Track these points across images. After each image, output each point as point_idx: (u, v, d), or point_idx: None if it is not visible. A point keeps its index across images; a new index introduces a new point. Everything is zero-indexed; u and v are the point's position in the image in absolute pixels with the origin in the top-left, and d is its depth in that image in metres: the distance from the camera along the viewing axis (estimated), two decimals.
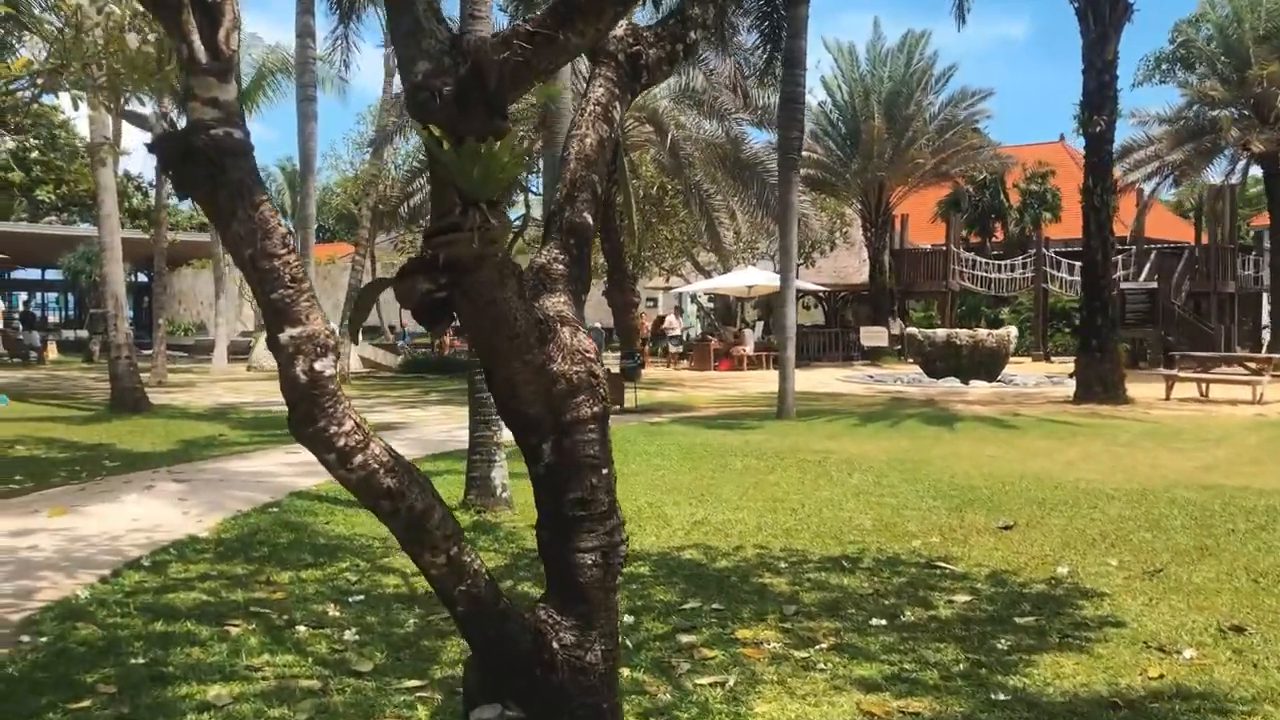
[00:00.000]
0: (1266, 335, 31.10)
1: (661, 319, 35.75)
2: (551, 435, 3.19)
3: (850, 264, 37.77)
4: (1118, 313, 28.68)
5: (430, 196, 2.94)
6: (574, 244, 3.42)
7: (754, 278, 30.06)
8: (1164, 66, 35.56)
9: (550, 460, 3.22)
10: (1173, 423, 15.38)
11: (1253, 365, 20.02)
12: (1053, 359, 32.27)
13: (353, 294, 24.36)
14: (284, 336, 2.75)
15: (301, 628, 5.62)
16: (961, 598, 6.29)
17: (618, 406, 17.97)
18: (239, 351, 32.00)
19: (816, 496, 9.82)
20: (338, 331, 23.15)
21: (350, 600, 6.18)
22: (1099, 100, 17.64)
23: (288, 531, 8.16)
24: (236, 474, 11.01)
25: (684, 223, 26.81)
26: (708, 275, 36.35)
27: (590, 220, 3.50)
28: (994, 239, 38.14)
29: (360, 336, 26.08)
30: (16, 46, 12.18)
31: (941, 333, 24.72)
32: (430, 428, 15.88)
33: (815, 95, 28.84)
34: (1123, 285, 29.42)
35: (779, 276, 32.20)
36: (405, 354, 30.59)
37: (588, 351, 3.27)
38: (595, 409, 3.22)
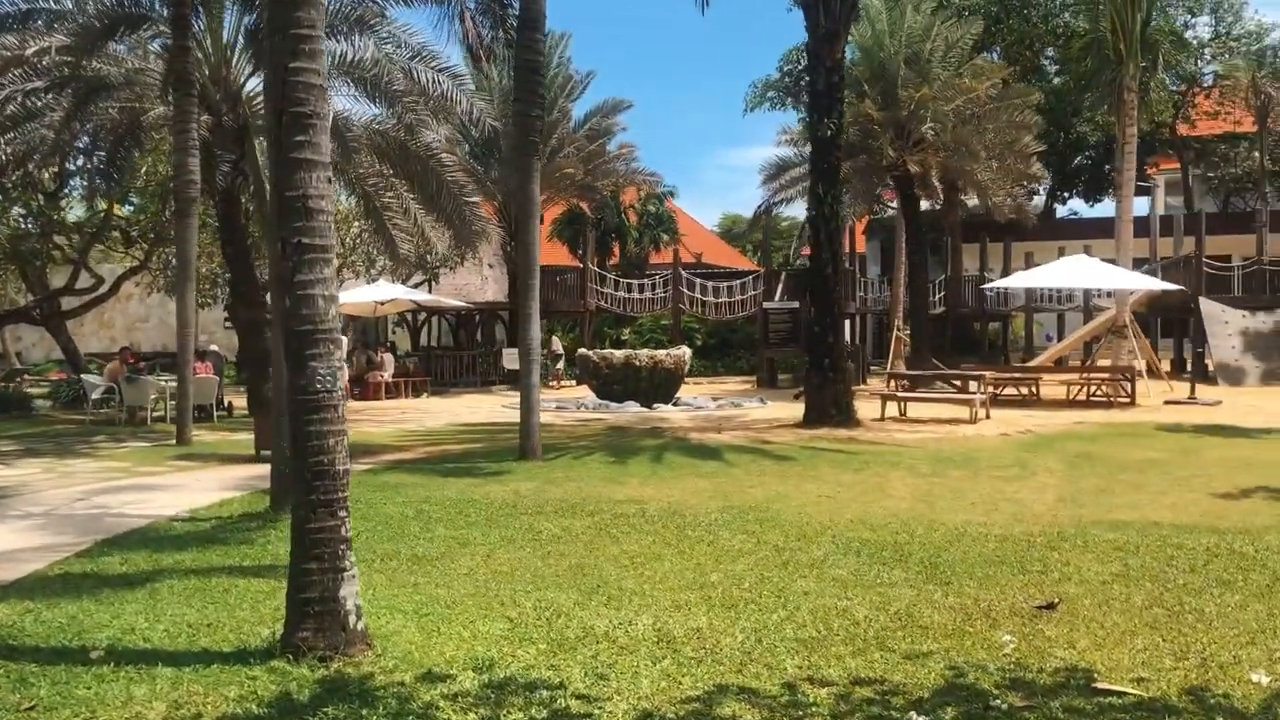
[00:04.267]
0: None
1: None
2: None
3: (472, 281, 35.15)
4: (765, 331, 28.74)
5: None
6: None
7: (386, 293, 26.52)
8: (770, 94, 36.72)
9: None
10: (938, 446, 14.41)
11: (959, 383, 20.08)
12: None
13: None
14: None
15: None
16: None
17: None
18: None
19: (733, 574, 7.29)
20: None
21: None
22: (828, 102, 16.51)
23: None
24: None
25: None
26: None
27: None
28: (611, 260, 37.24)
29: None
30: None
31: (620, 354, 22.84)
32: (49, 493, 11.18)
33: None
34: (766, 305, 29.45)
35: (411, 292, 29.08)
36: None
37: None
38: None
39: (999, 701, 4.79)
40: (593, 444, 15.05)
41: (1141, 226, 30.26)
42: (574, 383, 28.13)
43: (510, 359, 29.30)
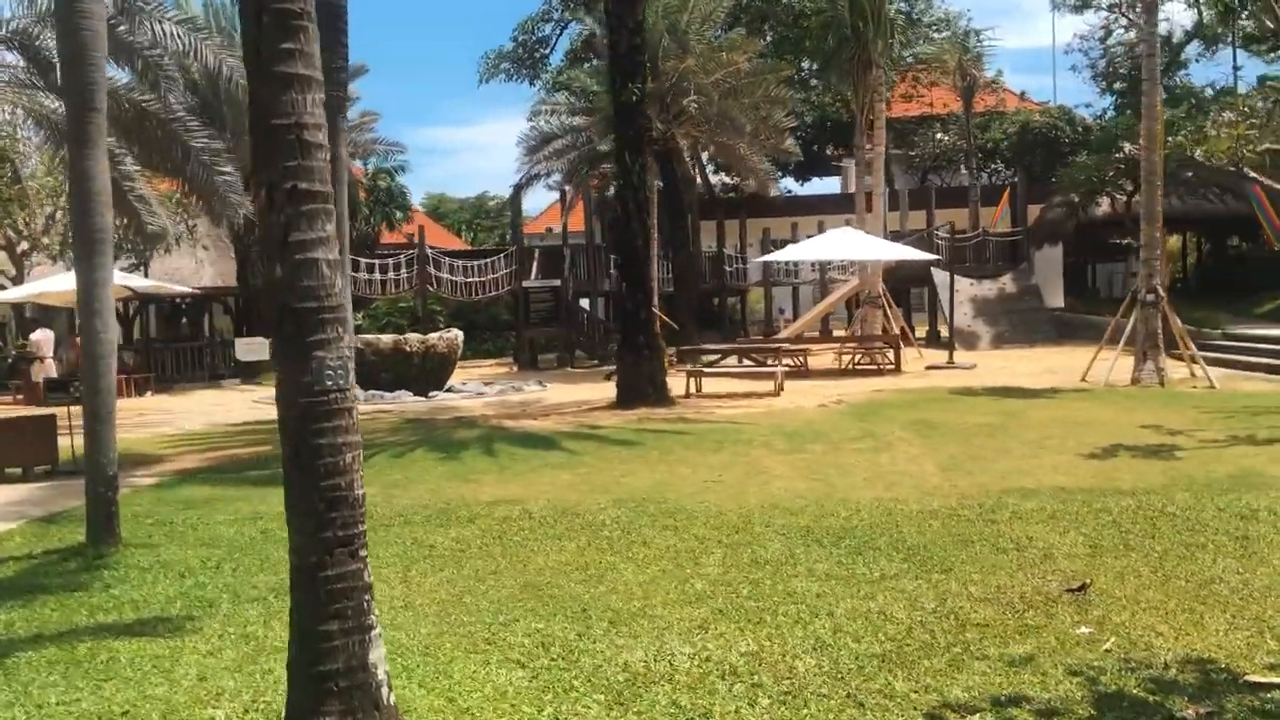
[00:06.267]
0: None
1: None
2: None
3: (185, 264, 31.72)
4: (525, 311, 27.69)
5: None
6: None
7: (53, 284, 23.02)
8: (505, 65, 35.54)
9: None
10: (770, 421, 13.95)
11: (758, 357, 19.88)
12: None
13: None
14: None
15: None
16: None
17: (48, 467, 11.81)
18: None
19: (716, 580, 6.43)
20: None
21: None
22: (631, 65, 15.61)
23: None
24: None
25: (12, 201, 19.42)
26: None
27: None
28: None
29: None
30: None
31: (389, 339, 21.00)
32: None
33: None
34: (525, 284, 28.37)
35: (125, 277, 25.48)
36: None
37: None
38: None
39: (1176, 710, 4.20)
40: (404, 440, 13.56)
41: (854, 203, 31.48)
42: None
43: (247, 350, 26.66)
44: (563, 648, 5.18)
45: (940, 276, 28.42)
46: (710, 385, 18.58)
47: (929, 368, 22.07)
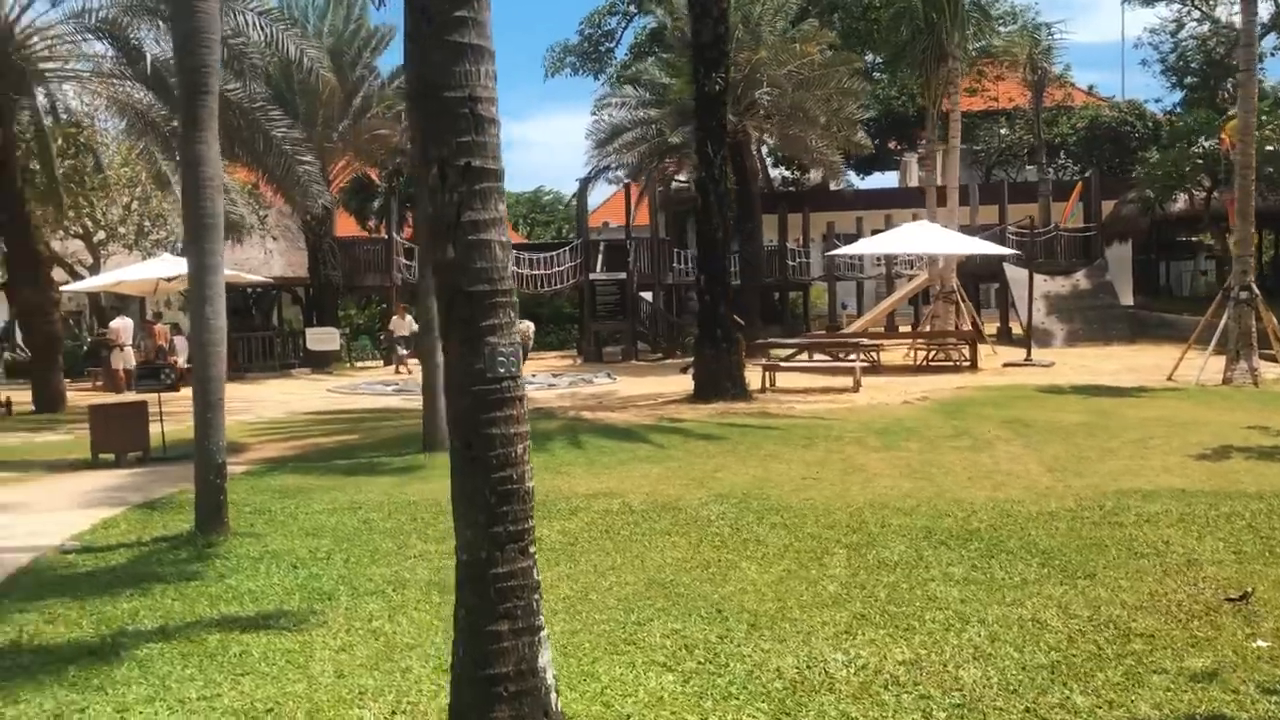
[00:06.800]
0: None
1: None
2: None
3: (254, 255, 31.89)
4: (591, 304, 27.56)
5: None
6: None
7: (172, 267, 23.34)
8: (570, 59, 35.42)
9: None
10: (856, 418, 13.68)
11: (832, 352, 19.60)
12: None
13: None
14: None
15: None
16: None
17: (140, 454, 11.84)
18: None
19: (845, 581, 6.23)
20: None
21: None
22: (714, 55, 15.35)
23: None
24: None
25: (94, 190, 19.63)
26: (69, 270, 28.15)
27: None
28: (407, 234, 34.89)
29: None
30: None
31: None
32: None
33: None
34: (592, 277, 28.23)
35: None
36: None
37: None
38: None
39: None
40: None
41: (921, 197, 30.88)
42: (393, 368, 26.10)
43: (318, 340, 26.83)
44: (706, 650, 4.99)
45: (1012, 272, 27.88)
46: (783, 380, 18.33)
47: (1006, 365, 21.63)
